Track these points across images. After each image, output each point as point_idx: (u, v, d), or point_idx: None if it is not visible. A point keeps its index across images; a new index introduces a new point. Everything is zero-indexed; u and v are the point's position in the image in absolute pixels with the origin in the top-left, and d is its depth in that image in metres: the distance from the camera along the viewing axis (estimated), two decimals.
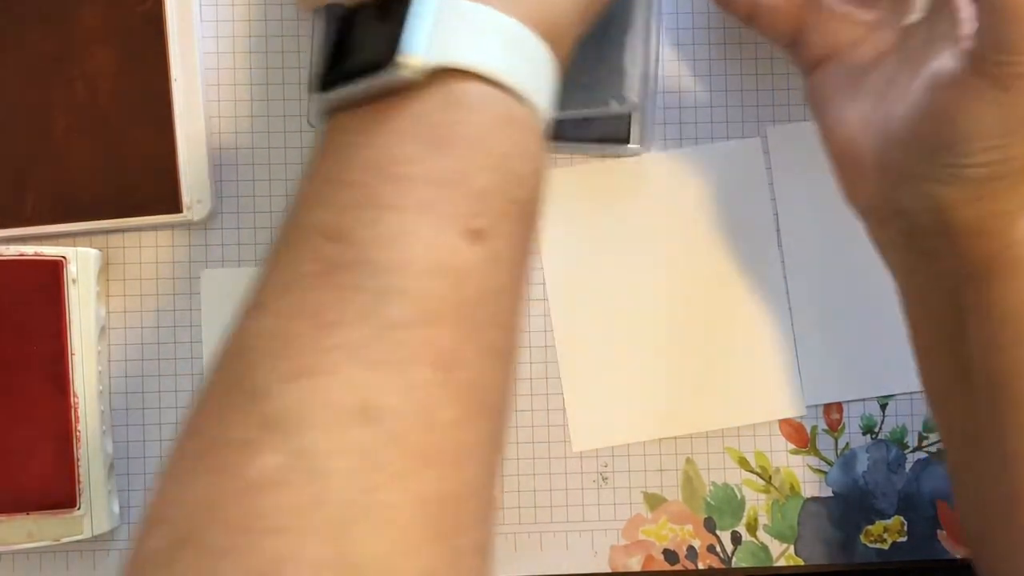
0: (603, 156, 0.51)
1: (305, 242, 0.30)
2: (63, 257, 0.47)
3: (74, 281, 0.47)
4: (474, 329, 0.30)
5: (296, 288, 0.30)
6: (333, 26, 0.33)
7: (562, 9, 0.34)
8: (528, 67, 0.33)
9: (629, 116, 0.49)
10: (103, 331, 0.49)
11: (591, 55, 0.48)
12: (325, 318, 0.29)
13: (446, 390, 0.29)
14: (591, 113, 0.48)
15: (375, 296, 0.29)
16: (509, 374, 0.32)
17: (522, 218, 0.32)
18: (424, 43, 0.31)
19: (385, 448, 0.27)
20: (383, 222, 0.30)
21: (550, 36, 0.33)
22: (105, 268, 0.49)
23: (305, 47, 0.50)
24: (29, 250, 0.47)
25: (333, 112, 0.33)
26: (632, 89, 0.47)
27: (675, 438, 0.51)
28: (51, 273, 0.47)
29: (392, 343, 0.28)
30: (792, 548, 0.51)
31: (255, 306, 0.31)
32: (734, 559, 0.51)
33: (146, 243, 0.50)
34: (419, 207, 0.30)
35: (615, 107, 0.47)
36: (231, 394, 0.29)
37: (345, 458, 0.27)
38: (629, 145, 0.50)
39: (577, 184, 0.51)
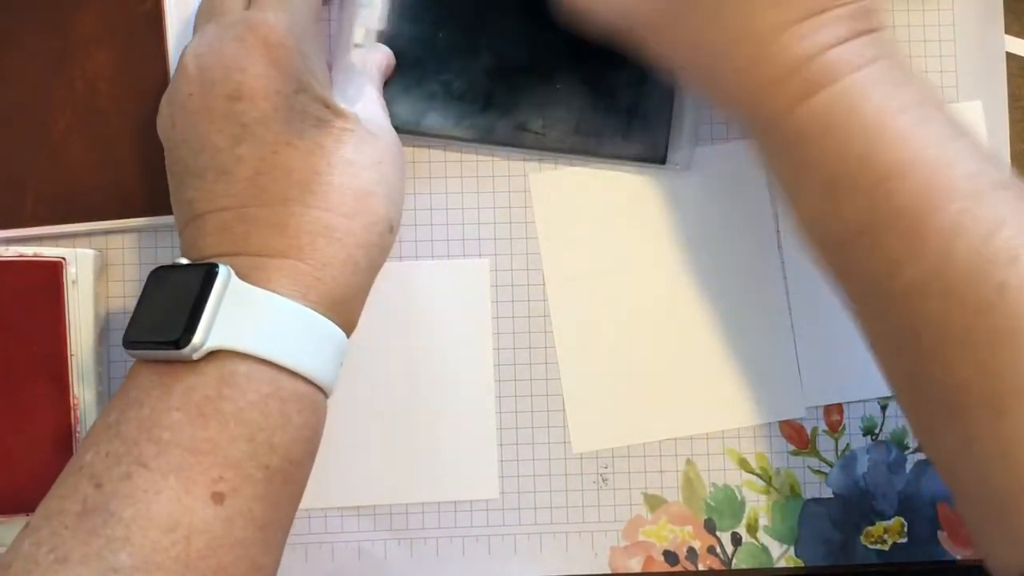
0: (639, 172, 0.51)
1: (78, 481, 0.36)
2: (62, 258, 0.47)
3: (73, 282, 0.47)
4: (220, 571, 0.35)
5: (60, 523, 0.35)
6: (147, 283, 0.40)
7: (351, 285, 0.40)
8: (307, 342, 0.38)
9: (668, 134, 0.50)
10: (103, 331, 0.49)
11: (632, 107, 0.48)
12: (63, 553, 0.34)
13: None
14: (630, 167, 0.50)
15: (108, 543, 0.34)
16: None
17: (272, 480, 0.37)
18: (205, 326, 0.36)
19: None
20: (136, 479, 0.35)
21: (338, 308, 0.39)
22: (105, 269, 0.49)
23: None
24: (28, 251, 0.47)
25: (137, 360, 0.39)
26: (678, 151, 0.49)
27: (675, 439, 0.51)
28: (50, 274, 0.46)
29: None
30: (792, 549, 0.51)
31: (26, 527, 0.36)
32: (734, 560, 0.51)
33: (146, 243, 0.50)
34: (169, 469, 0.35)
35: (657, 165, 0.50)
36: None
37: None
38: (666, 165, 0.50)
39: (573, 187, 0.51)
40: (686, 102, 0.50)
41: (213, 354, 0.37)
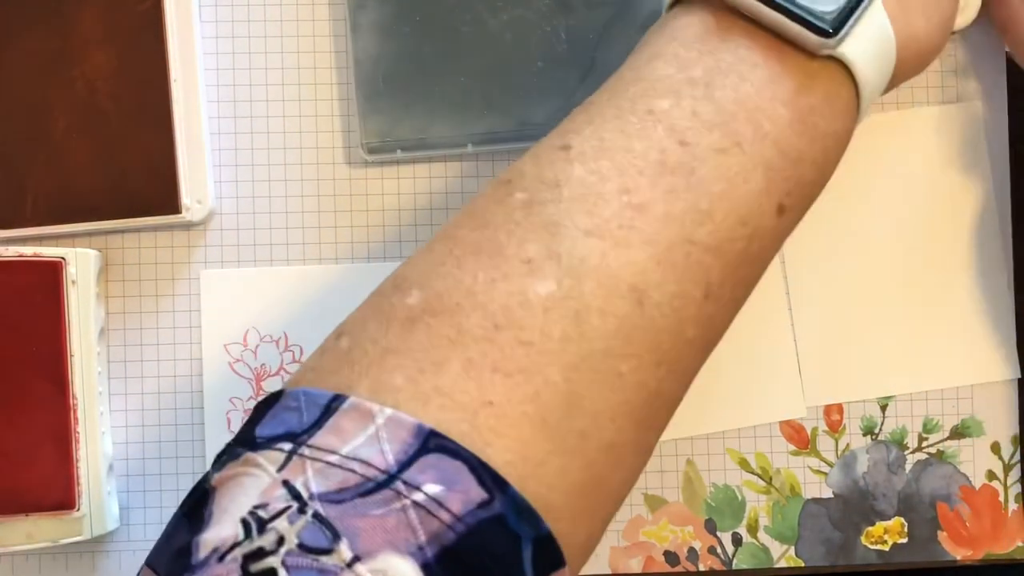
0: None
1: (649, 126, 0.33)
2: (62, 258, 0.47)
3: (73, 282, 0.47)
4: (738, 279, 0.34)
5: (623, 161, 0.32)
6: None
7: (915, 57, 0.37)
8: (879, 92, 0.36)
9: None
10: (103, 332, 0.49)
11: None
12: (640, 200, 0.31)
13: (699, 313, 0.32)
14: None
15: (690, 210, 0.32)
16: (725, 329, 0.36)
17: (805, 210, 0.36)
18: (846, 35, 0.33)
19: (637, 331, 0.31)
20: (729, 155, 0.32)
21: (896, 73, 0.37)
22: (105, 269, 0.49)
23: (305, 47, 0.50)
24: (28, 251, 0.47)
25: (724, 9, 0.34)
26: None
27: (675, 439, 0.51)
28: (51, 274, 0.46)
29: (682, 254, 0.32)
30: (792, 549, 0.51)
31: (575, 152, 0.33)
32: (735, 560, 0.51)
33: (145, 243, 0.50)
34: (761, 161, 0.33)
35: None
36: (529, 214, 0.32)
37: (603, 318, 0.30)
38: None
39: None
40: None
41: (827, 63, 0.34)
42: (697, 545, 0.51)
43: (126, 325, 0.50)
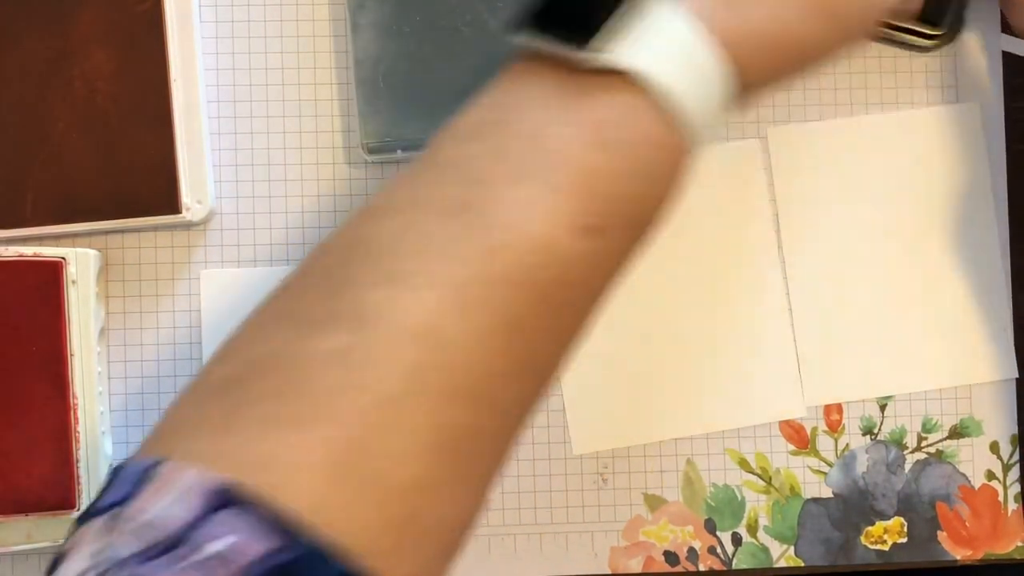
0: None
1: (446, 174, 0.33)
2: (62, 258, 0.47)
3: (73, 282, 0.47)
4: (552, 307, 0.33)
5: (421, 212, 0.33)
6: None
7: (763, 48, 0.35)
8: (702, 96, 0.34)
9: None
10: (103, 331, 0.49)
11: None
12: (432, 245, 0.32)
13: (505, 347, 0.32)
14: None
15: (481, 247, 0.32)
16: (563, 355, 0.35)
17: (637, 232, 0.35)
18: (614, 42, 0.32)
19: (432, 371, 0.31)
20: (518, 186, 0.32)
21: (740, 68, 0.34)
22: (105, 269, 0.49)
23: (305, 47, 0.50)
24: (28, 251, 0.47)
25: (518, 53, 0.35)
26: None
27: (675, 439, 0.51)
28: (50, 274, 0.46)
29: (476, 291, 0.32)
30: (792, 549, 0.51)
31: (380, 210, 0.34)
32: (735, 560, 0.51)
33: (146, 243, 0.50)
34: (555, 188, 0.32)
35: None
36: (328, 278, 0.33)
37: (392, 364, 0.31)
38: None
39: None
40: None
41: (615, 75, 0.33)
42: (697, 545, 0.51)
43: (126, 325, 0.50)
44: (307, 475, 0.30)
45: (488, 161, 0.33)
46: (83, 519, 0.32)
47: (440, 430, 0.31)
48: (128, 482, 0.31)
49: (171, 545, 0.29)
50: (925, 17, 0.50)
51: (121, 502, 0.31)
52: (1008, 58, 0.52)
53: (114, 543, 0.30)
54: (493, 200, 0.33)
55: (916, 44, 0.51)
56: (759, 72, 0.35)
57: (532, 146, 0.33)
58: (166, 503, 0.30)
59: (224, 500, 0.30)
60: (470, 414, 0.32)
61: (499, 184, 0.33)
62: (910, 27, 0.51)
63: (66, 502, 0.46)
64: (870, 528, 0.51)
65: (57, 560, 0.31)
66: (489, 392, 0.32)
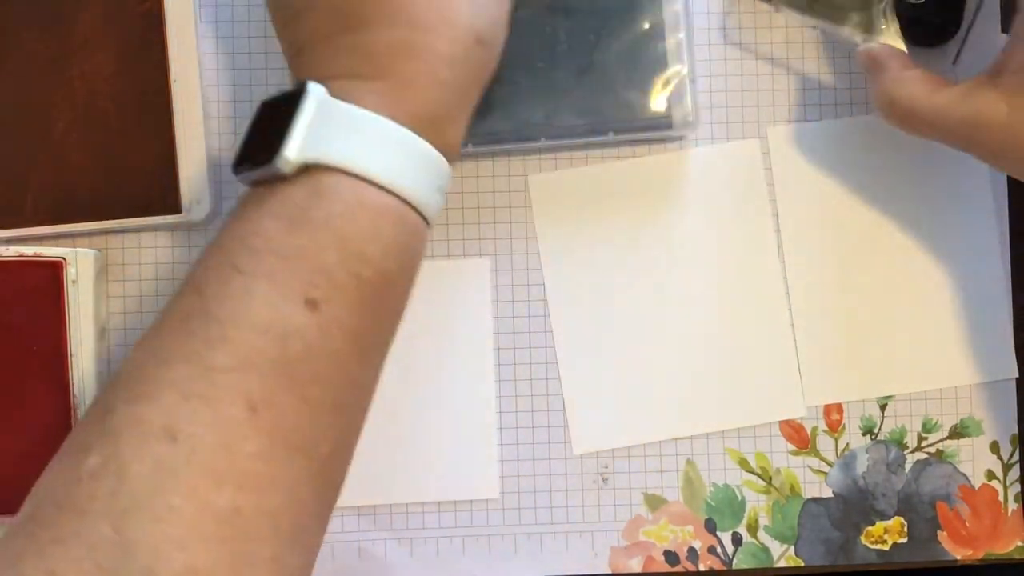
0: (648, 143, 0.51)
1: (182, 292, 0.37)
2: (63, 258, 0.47)
3: (74, 282, 0.47)
4: (291, 381, 0.35)
5: (163, 330, 0.37)
6: (254, 114, 0.40)
7: (440, 101, 0.40)
8: (396, 158, 0.38)
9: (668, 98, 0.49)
10: (103, 331, 0.49)
11: (629, 70, 0.48)
12: (166, 356, 0.35)
13: (251, 427, 0.34)
14: (642, 137, 0.50)
15: (206, 343, 0.35)
16: (331, 424, 0.37)
17: (366, 291, 0.37)
18: (298, 143, 0.37)
19: (183, 464, 0.33)
20: (232, 283, 0.36)
21: (429, 128, 0.39)
22: (105, 268, 0.49)
23: None
24: (29, 251, 0.47)
25: (248, 187, 0.39)
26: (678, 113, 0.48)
27: (675, 439, 0.51)
28: (51, 274, 0.46)
29: (208, 382, 0.34)
30: (792, 549, 0.51)
31: (139, 340, 0.37)
32: (735, 560, 0.51)
33: (146, 243, 0.50)
34: (265, 274, 0.36)
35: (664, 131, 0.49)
36: (94, 408, 0.36)
37: (143, 465, 0.33)
38: (673, 129, 0.49)
39: (572, 189, 0.51)
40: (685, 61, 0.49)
41: (307, 169, 0.37)
42: (697, 545, 0.51)
43: (126, 325, 0.50)
44: None
45: (209, 273, 0.37)
46: None
47: (200, 517, 0.33)
48: None
49: None
50: (923, 17, 0.50)
51: None
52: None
53: None
54: (214, 301, 0.36)
55: (916, 43, 0.51)
56: (453, 129, 0.41)
57: (239, 246, 0.37)
58: None
59: None
60: (230, 498, 0.34)
61: (217, 286, 0.36)
62: (909, 28, 0.51)
63: None
64: (870, 528, 0.51)
65: None
66: (247, 474, 0.34)
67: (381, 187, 0.38)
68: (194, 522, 0.33)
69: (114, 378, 0.36)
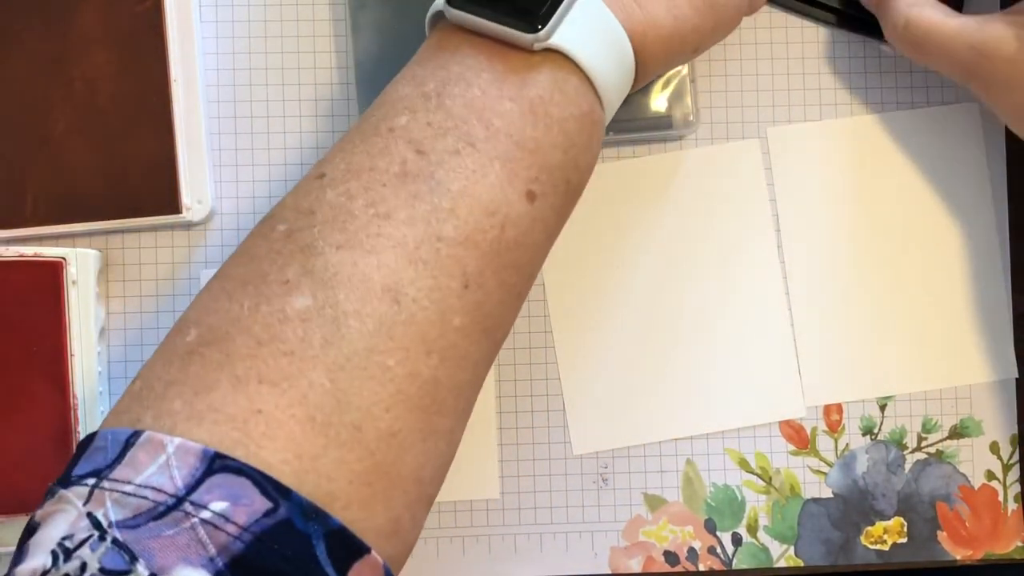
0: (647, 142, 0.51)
1: (391, 142, 0.36)
2: (63, 258, 0.47)
3: (74, 282, 0.47)
4: (501, 266, 0.36)
5: (367, 176, 0.35)
6: None
7: (662, 44, 0.39)
8: (619, 70, 0.38)
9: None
10: (103, 331, 0.49)
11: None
12: (386, 210, 0.34)
13: (462, 302, 0.35)
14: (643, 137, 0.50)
15: (433, 211, 0.34)
16: (514, 312, 0.38)
17: (568, 196, 0.38)
18: (558, 20, 0.36)
19: (398, 326, 0.33)
20: (464, 155, 0.35)
21: (642, 57, 0.39)
22: (105, 268, 0.49)
23: (305, 47, 0.50)
24: (29, 251, 0.47)
25: (451, 26, 0.38)
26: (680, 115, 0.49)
27: (675, 439, 0.51)
28: (51, 274, 0.46)
29: (431, 250, 0.34)
30: (792, 549, 0.51)
31: (327, 179, 0.36)
32: (735, 560, 0.51)
33: (146, 243, 0.50)
34: (496, 155, 0.35)
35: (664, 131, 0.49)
36: (288, 242, 0.35)
37: (361, 320, 0.33)
38: (673, 129, 0.49)
39: None
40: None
41: (548, 54, 0.37)
42: (697, 545, 0.51)
43: (126, 325, 0.50)
44: (286, 428, 0.31)
45: (431, 133, 0.36)
46: (57, 487, 0.32)
47: (408, 382, 0.33)
48: (107, 450, 0.31)
49: (162, 512, 0.30)
50: None
51: (101, 471, 0.31)
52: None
53: (96, 511, 0.30)
54: (442, 168, 0.35)
55: None
56: (656, 57, 0.40)
57: (475, 119, 0.36)
58: (152, 471, 0.31)
59: (216, 465, 0.31)
60: (434, 367, 0.34)
61: (446, 154, 0.35)
62: None
63: None
64: (870, 528, 0.51)
65: (32, 528, 0.32)
66: (451, 347, 0.35)
67: (599, 97, 0.38)
68: (402, 387, 0.33)
69: (301, 211, 0.35)
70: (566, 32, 0.36)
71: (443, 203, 0.34)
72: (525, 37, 0.36)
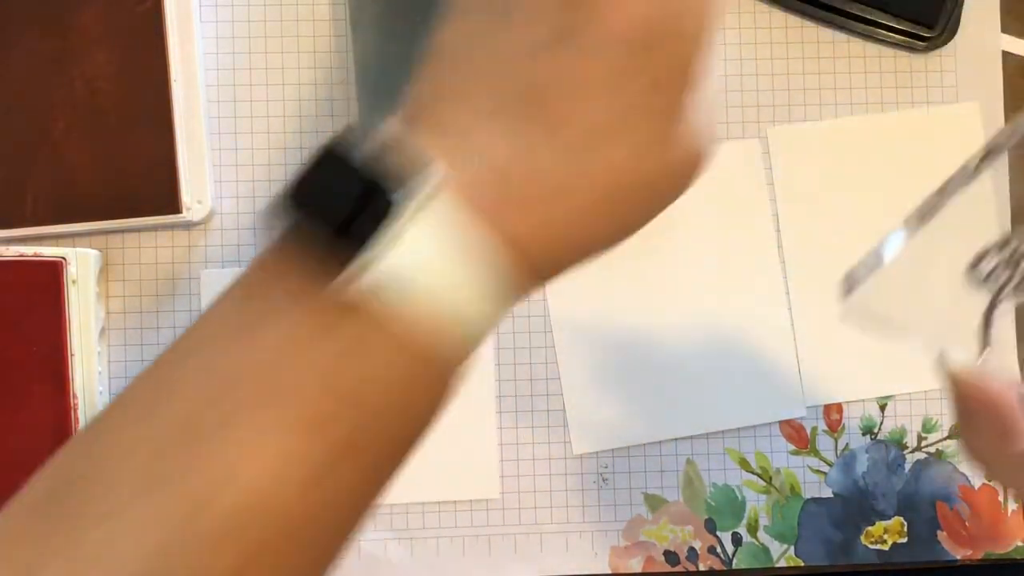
0: None
1: (173, 394, 0.28)
2: (63, 258, 0.47)
3: (74, 282, 0.47)
4: (295, 542, 0.28)
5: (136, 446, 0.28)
6: (319, 150, 0.27)
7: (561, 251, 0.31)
8: (480, 307, 0.29)
9: None
10: (103, 331, 0.49)
11: None
12: (138, 489, 0.27)
13: None
14: None
15: (188, 503, 0.27)
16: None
17: (376, 467, 0.31)
18: (379, 256, 0.26)
19: None
20: (243, 428, 0.27)
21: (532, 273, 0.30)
22: (105, 268, 0.49)
23: (305, 47, 0.50)
24: (29, 251, 0.47)
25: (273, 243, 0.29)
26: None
27: (675, 439, 0.51)
28: (51, 274, 0.46)
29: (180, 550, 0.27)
30: (792, 549, 0.51)
31: (102, 437, 0.29)
32: (735, 560, 0.51)
33: (146, 243, 0.50)
34: (286, 426, 0.28)
35: None
36: (51, 510, 0.28)
37: None
38: None
39: None
40: None
41: (370, 296, 0.27)
42: (697, 545, 0.51)
43: (126, 325, 0.50)
44: None
45: (217, 389, 0.28)
46: None
47: None
48: None
49: None
50: (919, 18, 0.50)
51: None
52: (1008, 58, 0.52)
53: None
54: (215, 439, 0.27)
55: (911, 45, 0.51)
56: (548, 268, 0.31)
57: (269, 376, 0.28)
58: None
59: None
60: None
61: (225, 416, 0.27)
62: (905, 28, 0.51)
63: None
64: (870, 528, 0.51)
65: None
66: None
67: (454, 347, 0.29)
68: None
69: (68, 477, 0.28)
70: (393, 263, 0.26)
71: (200, 493, 0.26)
72: (331, 283, 0.26)
